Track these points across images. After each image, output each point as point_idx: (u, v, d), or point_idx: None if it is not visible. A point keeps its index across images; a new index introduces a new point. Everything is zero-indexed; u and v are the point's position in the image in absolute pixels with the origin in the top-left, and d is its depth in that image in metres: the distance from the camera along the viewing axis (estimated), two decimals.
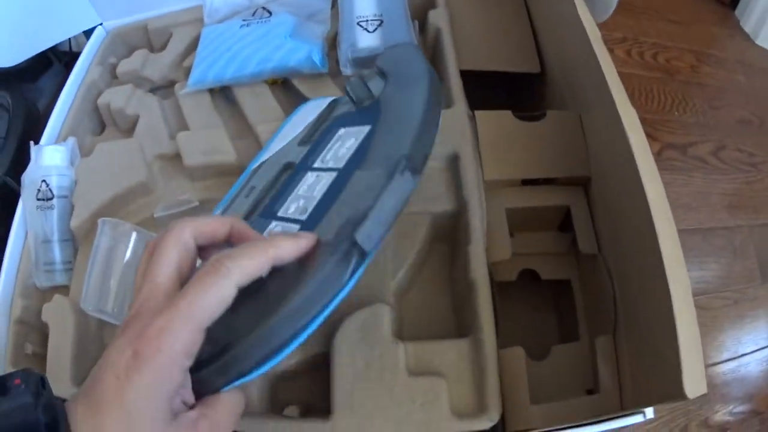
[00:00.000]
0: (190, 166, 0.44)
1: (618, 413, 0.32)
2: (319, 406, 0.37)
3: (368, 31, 0.46)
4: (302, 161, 0.37)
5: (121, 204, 0.46)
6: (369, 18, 0.47)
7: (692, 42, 0.79)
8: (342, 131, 0.36)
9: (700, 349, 0.26)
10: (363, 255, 0.27)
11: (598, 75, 0.38)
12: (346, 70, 0.46)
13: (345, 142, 0.35)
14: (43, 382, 0.24)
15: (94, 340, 0.43)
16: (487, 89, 0.51)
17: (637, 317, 0.34)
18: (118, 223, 0.44)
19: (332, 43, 0.50)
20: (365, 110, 0.36)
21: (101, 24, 0.56)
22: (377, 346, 0.35)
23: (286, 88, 0.48)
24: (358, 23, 0.47)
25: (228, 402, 0.27)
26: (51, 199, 0.47)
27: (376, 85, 0.37)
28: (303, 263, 0.27)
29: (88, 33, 0.60)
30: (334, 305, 0.26)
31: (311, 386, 0.39)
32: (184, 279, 0.26)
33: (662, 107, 0.70)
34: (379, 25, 0.47)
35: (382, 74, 0.37)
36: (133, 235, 0.43)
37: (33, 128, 0.66)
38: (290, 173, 0.38)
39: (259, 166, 0.40)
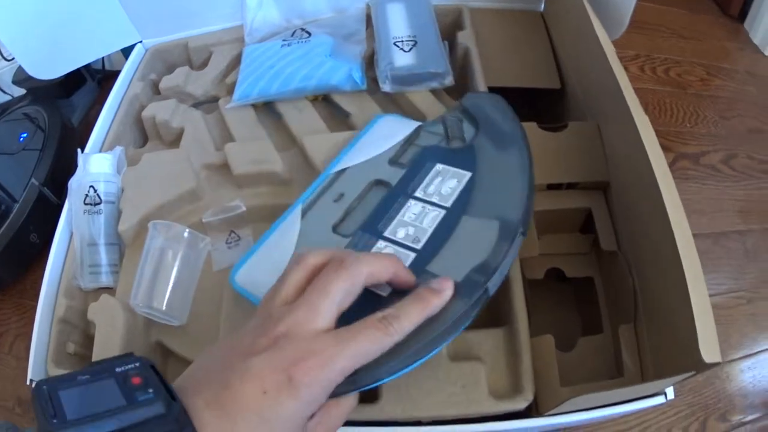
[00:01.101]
0: (239, 174, 0.51)
1: (640, 395, 0.40)
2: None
3: (404, 51, 0.54)
4: (400, 185, 0.43)
5: (169, 210, 0.53)
6: (404, 39, 0.55)
7: (703, 56, 0.87)
8: (440, 167, 0.43)
9: (713, 322, 0.32)
10: (488, 298, 0.35)
11: (615, 88, 0.45)
12: (386, 87, 0.53)
13: (446, 181, 0.42)
14: (165, 384, 0.28)
15: (141, 338, 0.48)
16: (510, 103, 0.60)
17: (656, 304, 0.40)
18: (170, 224, 0.51)
19: (369, 62, 0.57)
20: (460, 153, 0.44)
21: (141, 42, 0.65)
22: None
23: (327, 104, 0.55)
24: (394, 43, 0.55)
25: (344, 405, 0.32)
26: (98, 204, 0.53)
27: (467, 129, 0.46)
28: None
29: (124, 51, 0.68)
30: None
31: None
32: (342, 309, 0.31)
33: (675, 119, 0.78)
34: (414, 45, 0.55)
35: (472, 118, 0.46)
36: (186, 236, 0.50)
37: (68, 142, 0.74)
38: (386, 193, 0.43)
39: (341, 172, 0.46)
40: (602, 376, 0.44)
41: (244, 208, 0.52)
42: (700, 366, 0.32)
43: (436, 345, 0.33)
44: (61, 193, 0.69)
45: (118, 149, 0.56)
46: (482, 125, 0.46)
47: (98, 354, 0.47)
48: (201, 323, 0.48)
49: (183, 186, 0.53)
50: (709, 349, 0.31)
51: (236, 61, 0.60)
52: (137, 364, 0.29)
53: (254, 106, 0.56)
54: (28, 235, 0.68)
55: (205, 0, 0.62)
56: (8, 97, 0.88)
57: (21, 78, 0.79)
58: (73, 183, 0.54)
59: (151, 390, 0.27)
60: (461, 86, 0.57)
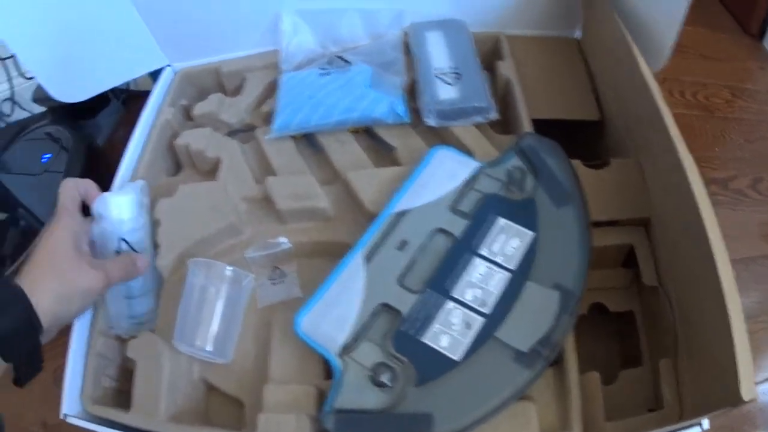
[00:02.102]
0: (282, 210, 0.51)
1: (678, 425, 0.41)
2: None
3: (448, 84, 0.54)
4: (464, 239, 0.44)
5: (208, 244, 0.53)
6: (447, 71, 0.55)
7: (727, 77, 0.88)
8: (503, 222, 0.45)
9: (751, 360, 0.34)
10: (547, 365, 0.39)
11: (658, 121, 0.46)
12: (430, 121, 0.53)
13: (510, 240, 0.44)
14: None
15: (185, 375, 0.48)
16: (545, 133, 0.60)
17: (696, 338, 0.41)
18: (211, 263, 0.51)
19: (409, 92, 0.57)
20: (521, 207, 0.46)
21: (169, 65, 0.64)
22: None
23: (369, 136, 0.56)
24: (436, 76, 0.55)
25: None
26: None
27: (526, 176, 0.47)
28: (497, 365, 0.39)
29: (151, 73, 0.68)
30: None
31: None
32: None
33: (704, 144, 0.79)
34: (457, 77, 0.55)
35: (529, 163, 0.48)
36: (229, 274, 0.50)
37: (94, 164, 0.73)
38: (450, 245, 0.44)
39: (401, 215, 0.46)
40: (642, 408, 0.46)
41: (289, 245, 0.52)
42: (737, 401, 0.33)
43: (501, 409, 0.37)
44: (87, 213, 0.68)
45: (140, 183, 0.54)
46: (541, 175, 0.47)
47: (141, 391, 0.48)
48: (246, 360, 0.49)
49: (223, 220, 0.53)
50: (748, 387, 0.33)
51: (271, 88, 0.60)
52: None
53: (293, 137, 0.56)
54: None
55: (236, 24, 0.62)
56: (26, 114, 0.87)
57: (42, 96, 0.78)
58: (97, 234, 0.50)
59: None
60: (502, 118, 0.57)
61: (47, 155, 0.71)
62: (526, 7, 0.62)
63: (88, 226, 0.48)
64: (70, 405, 0.49)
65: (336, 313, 0.44)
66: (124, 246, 0.50)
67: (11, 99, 1.00)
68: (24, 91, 0.90)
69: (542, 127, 0.56)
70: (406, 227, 0.46)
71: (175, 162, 0.61)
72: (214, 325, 0.48)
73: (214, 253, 0.53)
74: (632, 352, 0.51)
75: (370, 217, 0.50)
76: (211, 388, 0.49)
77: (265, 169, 0.56)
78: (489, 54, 0.62)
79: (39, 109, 0.84)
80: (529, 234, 0.44)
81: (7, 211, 0.71)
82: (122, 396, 0.54)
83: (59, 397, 0.77)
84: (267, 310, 0.50)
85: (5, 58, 0.90)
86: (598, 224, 0.52)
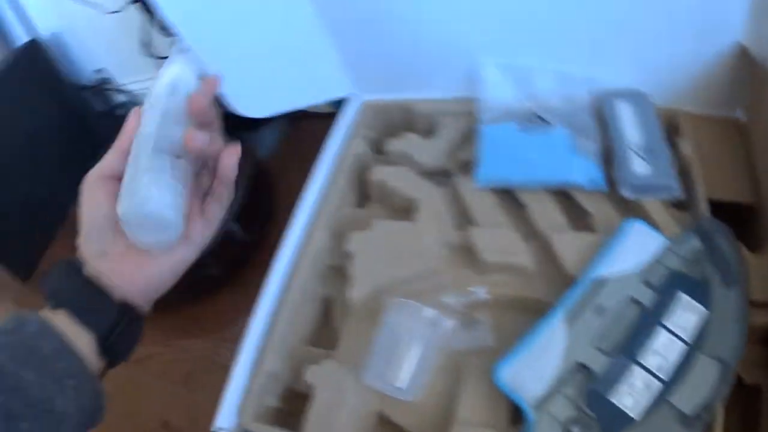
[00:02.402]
0: (485, 261, 0.54)
1: None
2: None
3: (641, 158, 0.57)
4: (652, 310, 0.48)
5: (405, 284, 0.55)
6: (639, 145, 0.58)
7: None
8: (684, 298, 0.49)
9: None
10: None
11: None
12: (625, 193, 0.55)
13: (689, 315, 0.48)
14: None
15: (363, 406, 0.50)
16: None
17: None
18: (413, 304, 0.53)
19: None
20: (699, 285, 0.50)
21: (355, 95, 0.66)
22: None
23: (566, 198, 0.58)
24: (631, 149, 0.58)
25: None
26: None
27: (704, 257, 0.52)
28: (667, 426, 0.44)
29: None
30: None
31: None
32: None
33: None
34: (650, 153, 0.58)
35: (708, 246, 0.52)
36: (430, 317, 0.53)
37: (259, 178, 0.74)
38: (640, 314, 0.48)
39: (601, 283, 0.50)
40: None
41: (486, 296, 0.55)
42: None
43: None
44: (252, 230, 0.70)
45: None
46: (716, 256, 0.52)
47: (317, 419, 0.50)
48: (430, 399, 0.51)
49: (423, 263, 0.56)
50: None
51: (467, 135, 0.63)
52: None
53: (493, 189, 0.59)
54: (209, 267, 0.69)
55: (430, 65, 0.64)
56: None
57: None
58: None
59: None
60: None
61: None
62: (700, 85, 0.66)
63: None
64: (225, 418, 0.52)
65: (536, 367, 0.47)
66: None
67: None
68: None
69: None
70: (604, 294, 0.50)
71: (361, 193, 0.63)
72: (411, 365, 0.51)
73: (409, 293, 0.55)
74: (751, 423, 0.57)
75: (569, 279, 0.53)
76: (385, 423, 0.52)
77: (463, 216, 0.59)
78: (665, 129, 0.65)
79: None
80: (703, 311, 0.49)
81: None
82: (281, 416, 0.57)
83: (187, 399, 0.80)
84: (456, 354, 0.53)
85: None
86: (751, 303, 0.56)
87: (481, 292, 0.55)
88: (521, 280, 0.55)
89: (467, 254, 0.56)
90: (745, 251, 0.55)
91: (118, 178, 0.40)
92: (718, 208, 0.59)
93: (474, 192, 0.59)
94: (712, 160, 0.64)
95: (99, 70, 1.17)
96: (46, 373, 0.36)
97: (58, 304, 0.39)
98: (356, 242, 0.58)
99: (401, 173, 0.60)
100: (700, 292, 0.50)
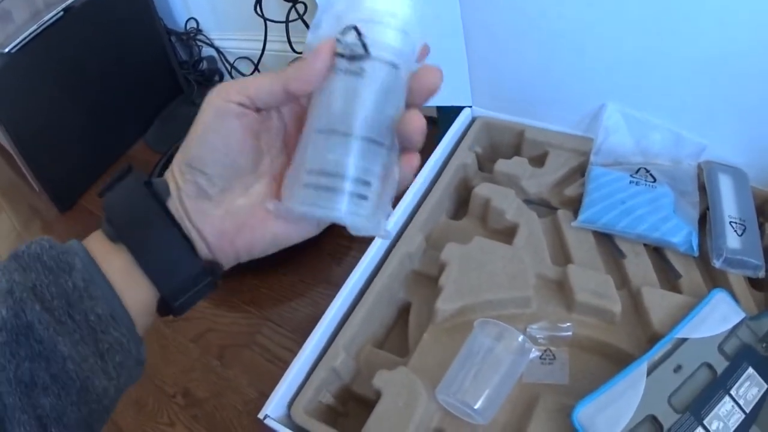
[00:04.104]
0: (577, 300, 0.57)
1: None
2: None
3: (737, 234, 0.62)
4: (723, 377, 0.52)
5: (495, 306, 0.58)
6: (737, 220, 0.62)
7: None
8: (751, 372, 0.53)
9: None
10: None
11: None
12: (717, 264, 0.59)
13: (752, 388, 0.52)
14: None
15: (425, 421, 0.51)
16: None
17: None
18: (504, 326, 0.55)
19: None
20: (765, 362, 0.54)
21: (470, 107, 0.68)
22: None
23: (658, 256, 0.62)
24: (729, 223, 0.62)
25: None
26: (360, 58, 0.31)
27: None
28: None
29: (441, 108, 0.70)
30: None
31: None
32: None
33: None
34: (744, 230, 0.62)
35: None
36: (520, 342, 0.55)
37: None
38: (711, 379, 0.52)
39: (682, 342, 0.54)
40: None
41: (570, 333, 0.58)
42: None
43: None
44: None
45: None
46: None
47: (376, 424, 0.51)
48: (496, 426, 0.53)
49: (519, 290, 0.58)
50: None
51: (573, 173, 0.66)
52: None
53: (594, 232, 0.62)
54: None
55: (554, 96, 0.67)
56: None
57: None
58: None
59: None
60: None
61: None
62: None
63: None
64: (275, 407, 0.52)
65: (612, 413, 0.51)
66: (351, 38, 0.31)
67: (256, 62, 1.02)
68: (273, 58, 0.88)
69: None
70: (683, 354, 0.54)
71: (458, 204, 0.65)
72: (490, 387, 0.52)
73: (497, 316, 0.58)
74: None
75: (652, 333, 0.56)
76: None
77: (560, 251, 0.62)
78: (757, 210, 0.69)
79: None
80: (765, 386, 0.53)
81: None
82: (331, 414, 0.57)
83: (216, 372, 0.76)
84: (528, 386, 0.55)
85: (280, 22, 0.88)
86: None
87: (567, 329, 0.58)
88: (605, 325, 0.58)
89: (559, 289, 0.59)
90: None
91: (256, 110, 0.32)
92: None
93: (575, 230, 0.62)
94: None
95: (191, 19, 1.16)
96: (87, 346, 0.29)
97: (119, 235, 0.31)
98: (453, 253, 0.60)
99: (507, 195, 0.63)
100: (764, 368, 0.54)
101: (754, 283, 0.64)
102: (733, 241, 0.62)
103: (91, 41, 0.94)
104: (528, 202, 0.65)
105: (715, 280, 0.62)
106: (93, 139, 1.01)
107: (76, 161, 0.99)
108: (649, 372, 0.53)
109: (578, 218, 0.62)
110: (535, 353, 0.57)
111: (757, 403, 0.52)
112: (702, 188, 0.66)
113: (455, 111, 0.68)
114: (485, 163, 0.68)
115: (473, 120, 0.70)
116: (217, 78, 1.23)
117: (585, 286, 0.58)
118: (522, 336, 0.55)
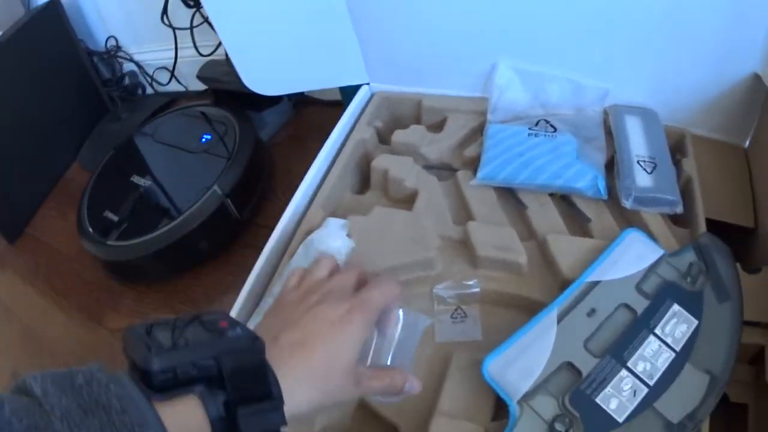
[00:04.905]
0: (480, 256, 0.56)
1: None
2: None
3: (646, 172, 0.60)
4: (644, 317, 0.51)
5: (398, 272, 0.57)
6: (645, 159, 0.61)
7: None
8: (676, 308, 0.51)
9: None
10: None
11: None
12: (627, 204, 0.58)
13: (679, 325, 0.50)
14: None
15: None
16: None
17: None
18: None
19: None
20: (692, 297, 0.52)
21: (368, 84, 0.69)
22: None
23: (566, 204, 0.61)
24: (637, 162, 0.61)
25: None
26: None
27: (699, 271, 0.54)
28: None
29: (343, 88, 0.72)
30: None
31: None
32: None
33: None
34: (654, 167, 0.61)
35: (703, 261, 0.54)
36: (401, 316, 0.53)
37: (258, 159, 0.77)
38: (631, 320, 0.50)
39: (594, 285, 0.52)
40: None
41: (478, 289, 0.57)
42: None
43: None
44: (244, 209, 0.71)
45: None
46: (711, 272, 0.54)
47: None
48: None
49: (420, 253, 0.57)
50: None
51: (473, 133, 0.65)
52: (221, 314, 0.34)
53: (495, 188, 0.61)
54: (198, 241, 0.70)
55: (446, 63, 0.67)
56: (181, 88, 0.89)
57: (207, 76, 0.81)
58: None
59: (238, 328, 0.33)
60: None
61: (207, 136, 0.74)
62: (711, 111, 0.69)
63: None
64: None
65: (524, 363, 0.49)
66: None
67: (171, 70, 1.03)
68: (187, 65, 0.92)
69: None
70: (597, 297, 0.52)
71: (361, 180, 0.65)
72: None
73: (403, 281, 0.57)
74: None
75: (563, 280, 0.55)
76: (362, 407, 0.53)
77: (462, 211, 0.61)
78: (672, 148, 0.68)
79: (196, 86, 0.87)
80: (694, 322, 0.51)
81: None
82: None
83: None
84: (443, 345, 0.54)
85: (186, 29, 0.92)
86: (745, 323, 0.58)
87: (474, 286, 0.57)
88: (513, 278, 0.57)
89: (463, 248, 0.58)
90: (744, 273, 0.58)
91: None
92: (718, 229, 0.61)
93: (475, 188, 0.61)
94: (715, 182, 0.67)
95: (111, 38, 1.20)
96: None
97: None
98: (354, 226, 0.59)
99: (405, 163, 0.63)
100: (692, 304, 0.52)
101: (676, 220, 0.62)
102: (642, 179, 0.60)
103: (16, 72, 0.96)
104: (428, 167, 0.64)
105: (630, 221, 0.60)
106: (29, 167, 1.03)
107: (18, 190, 1.00)
108: (560, 319, 0.51)
109: (477, 176, 0.61)
110: (445, 313, 0.56)
111: (688, 340, 0.50)
112: (609, 133, 0.65)
113: (355, 90, 0.69)
114: (388, 137, 0.68)
115: (372, 96, 0.71)
116: (139, 91, 1.26)
117: (487, 241, 0.57)
118: (402, 310, 0.51)
